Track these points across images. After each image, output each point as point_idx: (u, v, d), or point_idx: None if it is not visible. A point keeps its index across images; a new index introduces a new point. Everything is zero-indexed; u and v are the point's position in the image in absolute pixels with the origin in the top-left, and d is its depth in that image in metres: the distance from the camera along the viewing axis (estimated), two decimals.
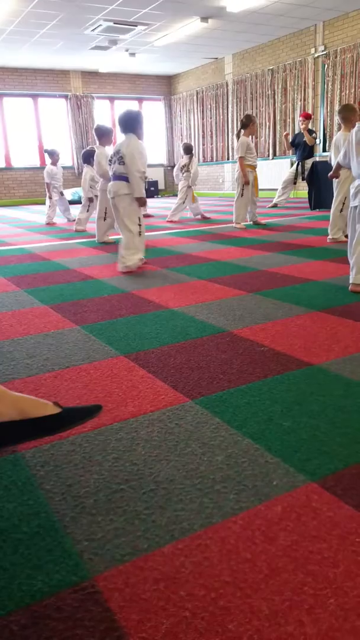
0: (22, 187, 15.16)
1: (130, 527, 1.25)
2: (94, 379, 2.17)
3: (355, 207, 3.47)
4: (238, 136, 7.33)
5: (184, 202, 8.61)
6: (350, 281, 3.49)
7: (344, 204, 5.49)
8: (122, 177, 4.39)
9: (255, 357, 2.34)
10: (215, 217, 9.05)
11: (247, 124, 7.22)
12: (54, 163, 8.99)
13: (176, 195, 8.86)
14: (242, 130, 7.27)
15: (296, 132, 10.74)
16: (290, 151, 10.35)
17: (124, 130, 4.43)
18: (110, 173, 4.54)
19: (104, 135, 6.42)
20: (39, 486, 1.43)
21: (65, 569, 1.13)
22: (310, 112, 11.73)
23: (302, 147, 9.59)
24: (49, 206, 9.12)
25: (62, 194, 9.22)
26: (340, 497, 1.32)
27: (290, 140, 10.08)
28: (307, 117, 9.68)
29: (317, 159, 10.13)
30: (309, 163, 9.36)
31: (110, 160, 4.54)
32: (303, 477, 1.42)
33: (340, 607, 1.00)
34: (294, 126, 12.10)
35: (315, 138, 9.63)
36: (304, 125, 9.52)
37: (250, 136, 7.32)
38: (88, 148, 7.80)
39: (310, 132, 9.57)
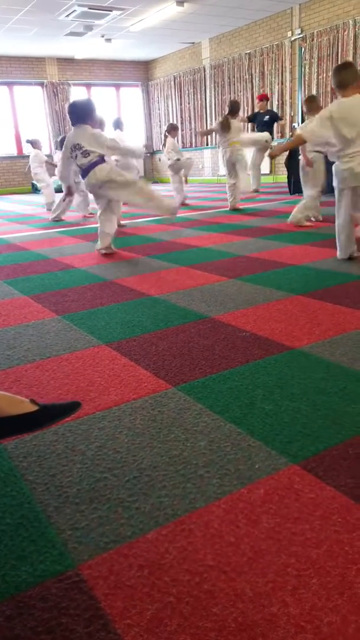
0: None
1: (114, 515, 1.25)
2: (76, 369, 2.16)
3: (342, 189, 3.58)
4: (228, 125, 7.25)
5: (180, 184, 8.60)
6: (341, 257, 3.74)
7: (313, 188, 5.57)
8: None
9: (237, 343, 2.35)
10: (195, 203, 9.02)
11: (237, 110, 7.23)
12: (39, 149, 8.89)
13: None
14: (230, 116, 7.22)
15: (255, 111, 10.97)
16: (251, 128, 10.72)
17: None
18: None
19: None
20: (22, 477, 1.43)
21: (50, 558, 1.13)
22: (288, 95, 11.82)
23: (261, 125, 9.98)
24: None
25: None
26: (322, 478, 1.34)
27: (247, 116, 10.53)
28: (262, 98, 10.11)
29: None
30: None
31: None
32: (285, 459, 1.43)
33: (323, 587, 1.01)
34: (273, 110, 12.07)
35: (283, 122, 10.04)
36: (261, 106, 9.94)
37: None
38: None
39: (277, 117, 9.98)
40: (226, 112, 7.34)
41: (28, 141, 9.08)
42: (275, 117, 10.06)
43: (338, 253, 3.94)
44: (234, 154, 7.26)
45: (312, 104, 5.61)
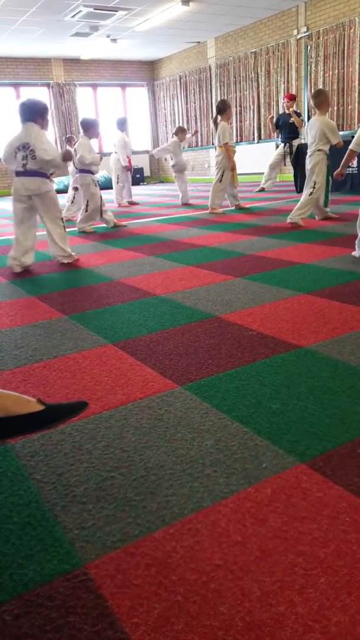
0: (7, 178, 15.00)
1: (121, 514, 1.25)
2: (83, 368, 2.16)
3: None
4: (215, 122, 7.25)
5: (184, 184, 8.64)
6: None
7: (314, 188, 5.53)
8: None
9: (244, 342, 2.34)
10: (201, 202, 9.00)
11: (225, 109, 7.16)
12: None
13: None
14: (219, 116, 7.20)
15: (280, 113, 10.73)
16: (275, 134, 10.33)
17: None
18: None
19: (91, 127, 6.35)
20: (29, 476, 1.43)
21: (57, 557, 1.13)
22: (294, 94, 11.72)
23: (287, 128, 9.61)
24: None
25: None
26: (330, 477, 1.33)
27: (274, 121, 10.06)
28: (291, 98, 9.69)
29: (303, 140, 10.13)
30: (296, 143, 9.39)
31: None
32: (292, 458, 1.42)
33: (331, 586, 1.01)
34: (279, 109, 12.04)
35: (302, 120, 9.64)
36: (291, 109, 9.54)
37: (227, 121, 7.28)
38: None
39: (297, 114, 9.58)
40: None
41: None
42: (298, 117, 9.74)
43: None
44: (216, 159, 7.25)
45: (318, 99, 5.57)
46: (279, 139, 10.04)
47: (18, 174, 4.18)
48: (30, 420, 1.39)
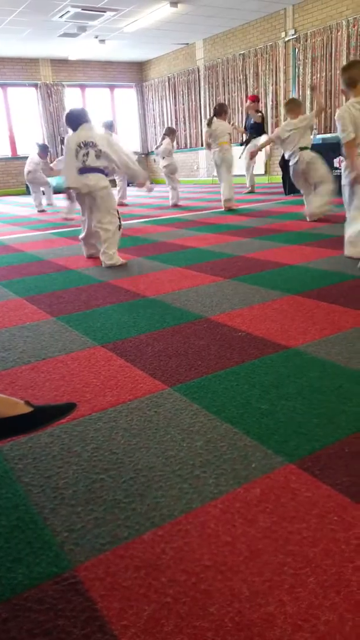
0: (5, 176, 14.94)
1: (110, 516, 1.25)
2: (72, 370, 2.15)
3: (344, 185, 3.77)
4: (209, 123, 7.25)
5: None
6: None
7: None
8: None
9: (233, 343, 2.34)
10: (190, 204, 9.02)
11: (221, 112, 7.24)
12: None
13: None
14: (215, 117, 7.21)
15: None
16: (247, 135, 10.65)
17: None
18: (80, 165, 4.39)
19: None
20: (18, 479, 1.42)
21: (46, 560, 1.13)
22: (282, 96, 11.88)
23: (249, 128, 10.26)
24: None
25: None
26: (318, 477, 1.34)
27: (243, 125, 10.76)
28: (253, 99, 10.36)
29: (260, 141, 10.44)
30: (255, 140, 9.99)
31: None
32: (281, 458, 1.43)
33: (320, 585, 1.01)
34: (266, 111, 12.09)
35: (261, 116, 10.17)
36: (252, 106, 10.18)
37: None
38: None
39: (258, 111, 10.25)
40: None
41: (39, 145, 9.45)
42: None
43: (347, 251, 3.93)
44: (217, 155, 7.28)
45: (288, 106, 5.78)
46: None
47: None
48: (18, 422, 1.38)
